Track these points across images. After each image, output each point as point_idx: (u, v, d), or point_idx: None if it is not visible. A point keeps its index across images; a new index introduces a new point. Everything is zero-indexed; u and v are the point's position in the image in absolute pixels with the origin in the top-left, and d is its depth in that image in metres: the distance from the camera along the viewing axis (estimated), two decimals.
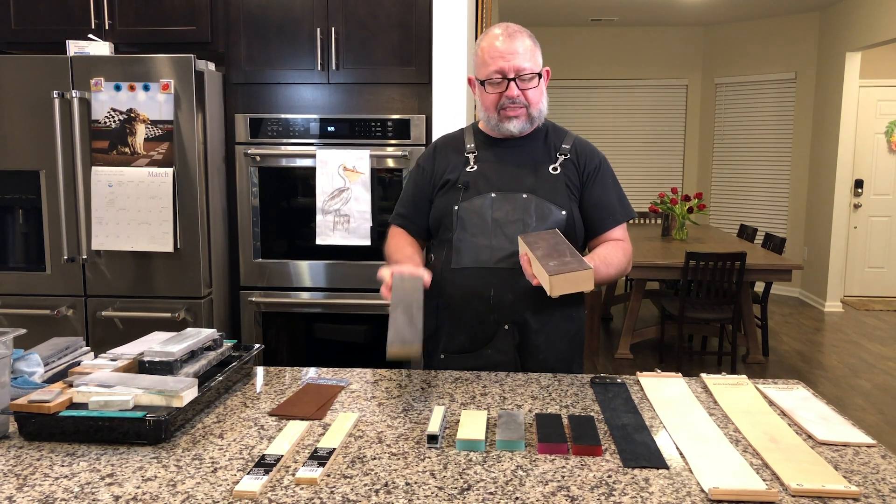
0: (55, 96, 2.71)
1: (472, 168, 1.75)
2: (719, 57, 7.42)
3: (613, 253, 1.71)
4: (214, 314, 2.92)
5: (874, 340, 5.52)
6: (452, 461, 1.18)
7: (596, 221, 1.77)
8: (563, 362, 1.76)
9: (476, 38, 3.28)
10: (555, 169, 1.74)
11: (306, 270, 2.99)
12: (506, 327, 1.71)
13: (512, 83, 1.66)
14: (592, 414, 1.39)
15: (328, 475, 1.13)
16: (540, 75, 1.69)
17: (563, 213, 1.70)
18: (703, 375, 1.60)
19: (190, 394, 1.30)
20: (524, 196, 1.70)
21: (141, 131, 2.71)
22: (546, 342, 1.74)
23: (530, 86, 1.68)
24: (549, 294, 1.47)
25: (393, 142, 2.90)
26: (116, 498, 1.05)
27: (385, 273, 1.61)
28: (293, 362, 3.04)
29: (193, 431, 1.29)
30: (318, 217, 2.90)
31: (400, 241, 1.84)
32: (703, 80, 7.58)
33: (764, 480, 1.11)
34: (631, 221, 6.52)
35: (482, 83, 1.70)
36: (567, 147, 1.77)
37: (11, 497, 1.05)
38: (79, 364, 1.48)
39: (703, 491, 1.08)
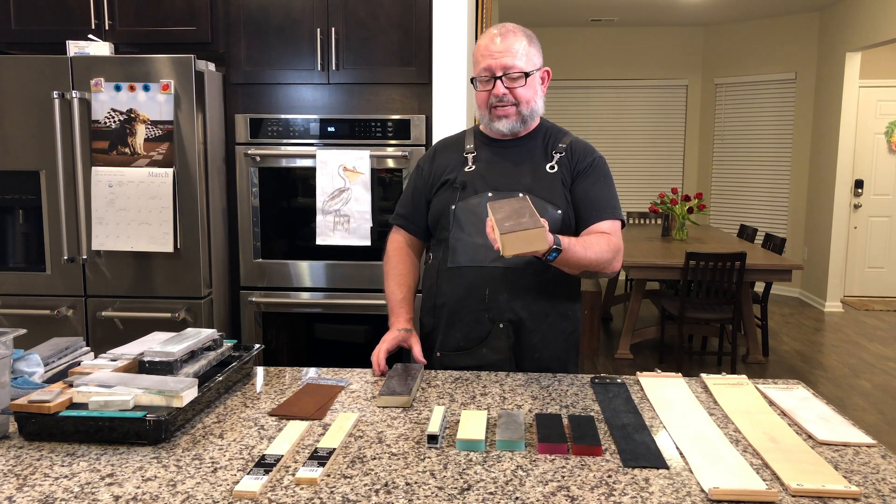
0: (55, 96, 2.71)
1: (469, 168, 1.76)
2: (719, 57, 7.42)
3: (595, 240, 1.63)
4: (214, 314, 2.92)
5: (874, 340, 5.52)
6: (452, 461, 1.18)
7: (582, 215, 1.72)
8: (559, 361, 1.77)
9: (476, 38, 3.29)
10: (552, 168, 1.74)
11: (306, 271, 2.99)
12: (501, 326, 1.71)
13: (498, 81, 1.67)
14: (592, 414, 1.39)
15: (328, 475, 1.13)
16: (528, 74, 1.68)
17: (560, 212, 1.70)
18: (703, 375, 1.60)
19: (190, 394, 1.30)
20: (520, 195, 1.70)
21: (141, 131, 2.71)
22: (541, 341, 1.74)
23: (517, 84, 1.68)
24: (502, 254, 1.39)
25: (393, 142, 2.90)
26: (116, 498, 1.05)
27: (375, 358, 1.66)
28: (293, 362, 3.04)
29: (193, 431, 1.29)
30: (319, 217, 2.90)
31: (398, 267, 1.85)
32: (703, 81, 7.58)
33: (764, 480, 1.11)
34: (630, 220, 6.57)
35: (473, 81, 1.72)
36: (563, 146, 1.76)
37: (11, 497, 1.05)
38: (79, 364, 1.48)
39: (703, 491, 1.08)
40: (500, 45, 1.67)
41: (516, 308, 1.71)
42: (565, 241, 1.51)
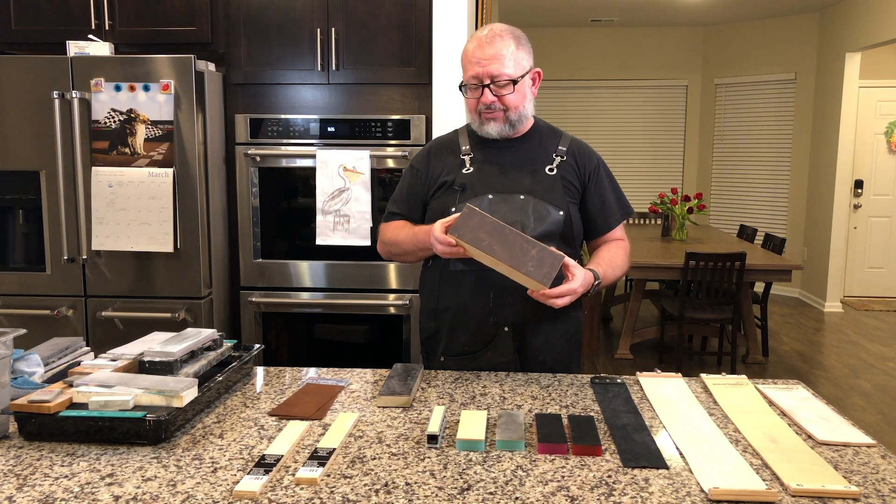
0: (55, 96, 2.71)
1: (468, 170, 1.74)
2: (719, 57, 7.42)
3: (616, 254, 1.76)
4: (214, 314, 2.92)
5: (874, 340, 5.52)
6: (452, 461, 1.18)
7: (598, 222, 1.79)
8: (562, 362, 1.77)
9: None
10: (551, 170, 1.73)
11: (306, 271, 2.99)
12: (506, 329, 1.71)
13: (486, 90, 1.66)
14: (592, 414, 1.39)
15: (328, 475, 1.13)
16: (516, 81, 1.66)
17: (561, 213, 1.70)
18: (703, 375, 1.60)
19: (190, 394, 1.30)
20: (521, 197, 1.69)
21: (141, 132, 2.71)
22: (545, 343, 1.74)
23: (504, 92, 1.67)
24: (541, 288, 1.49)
25: (393, 142, 2.90)
26: (116, 498, 1.05)
27: (438, 227, 1.56)
28: (293, 362, 3.04)
29: (193, 431, 1.30)
30: (318, 217, 2.90)
31: (404, 222, 1.81)
32: (703, 81, 7.58)
33: (764, 480, 1.11)
34: (630, 220, 6.57)
35: (462, 87, 1.71)
36: (563, 149, 1.76)
37: (11, 497, 1.05)
38: (79, 364, 1.48)
39: (702, 491, 1.08)
40: (488, 52, 1.64)
41: (521, 311, 1.70)
42: (600, 270, 1.63)
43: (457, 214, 1.53)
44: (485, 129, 1.72)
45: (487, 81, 1.65)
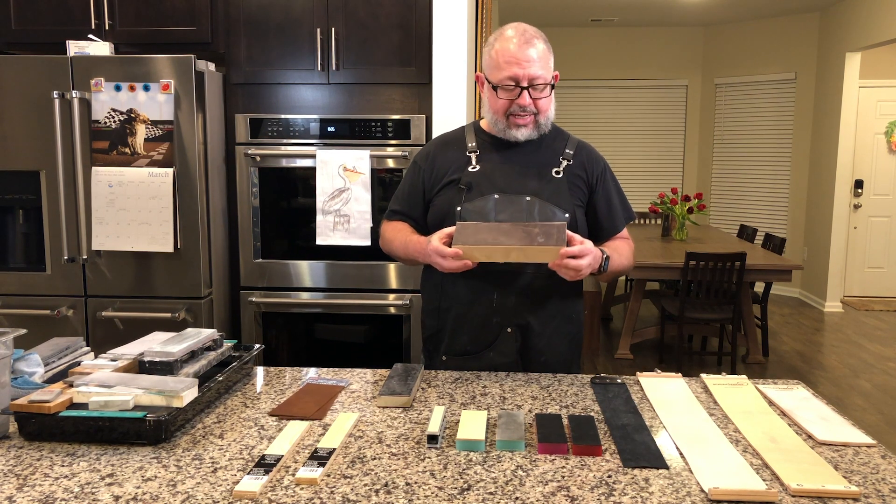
0: (55, 96, 2.71)
1: (474, 168, 1.73)
2: (719, 57, 7.42)
3: (621, 245, 1.79)
4: (214, 314, 2.92)
5: (874, 340, 5.52)
6: (452, 461, 1.18)
7: (604, 225, 1.80)
8: (564, 363, 1.77)
9: (476, 38, 3.28)
10: (558, 173, 1.73)
11: (306, 270, 2.99)
12: (508, 330, 1.71)
13: (525, 92, 1.65)
14: (592, 414, 1.39)
15: (328, 475, 1.13)
16: (552, 85, 1.68)
17: (567, 216, 1.69)
18: (703, 375, 1.60)
19: (190, 394, 1.30)
20: (527, 199, 1.68)
21: (141, 131, 2.71)
22: (547, 344, 1.74)
23: (542, 95, 1.67)
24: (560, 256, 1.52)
25: (393, 142, 2.90)
26: (116, 498, 1.05)
27: (436, 242, 1.57)
28: (293, 362, 3.04)
29: (193, 431, 1.30)
30: (319, 217, 2.90)
31: (403, 225, 1.81)
32: (703, 81, 7.58)
33: (764, 480, 1.11)
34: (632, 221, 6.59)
35: (494, 87, 1.68)
36: (570, 152, 1.76)
37: (11, 497, 1.05)
38: (79, 364, 1.48)
39: (702, 491, 1.08)
40: (527, 53, 1.63)
41: (524, 312, 1.70)
42: (607, 251, 1.66)
43: (450, 229, 1.59)
44: (512, 132, 1.70)
45: (526, 83, 1.64)
